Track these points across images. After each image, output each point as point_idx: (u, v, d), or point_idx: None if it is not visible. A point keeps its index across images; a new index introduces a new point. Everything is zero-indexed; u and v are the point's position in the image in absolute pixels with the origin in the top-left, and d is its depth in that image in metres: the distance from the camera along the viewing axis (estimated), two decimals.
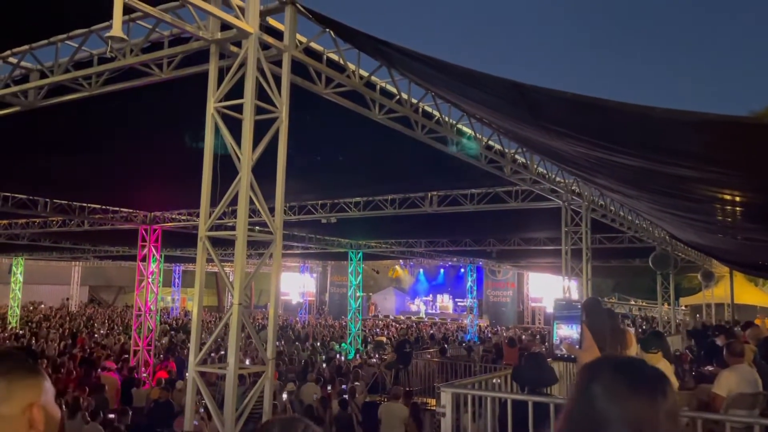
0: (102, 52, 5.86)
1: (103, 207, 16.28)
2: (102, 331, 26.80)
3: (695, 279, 26.77)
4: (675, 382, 6.35)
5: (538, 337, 24.56)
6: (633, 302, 39.38)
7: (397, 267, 44.29)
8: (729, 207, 7.90)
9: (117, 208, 16.65)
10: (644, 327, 26.81)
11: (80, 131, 8.71)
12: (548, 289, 36.93)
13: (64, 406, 9.91)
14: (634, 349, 4.59)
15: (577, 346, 2.07)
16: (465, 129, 8.28)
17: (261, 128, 5.03)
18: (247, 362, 13.05)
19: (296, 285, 43.72)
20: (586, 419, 1.37)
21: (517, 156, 9.70)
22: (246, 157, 4.86)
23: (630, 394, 1.36)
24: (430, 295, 42.66)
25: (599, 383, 1.41)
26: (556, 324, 2.15)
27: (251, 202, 4.98)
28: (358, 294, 25.67)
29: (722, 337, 8.96)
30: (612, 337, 4.20)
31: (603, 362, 1.50)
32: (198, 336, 5.15)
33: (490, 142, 8.86)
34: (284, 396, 11.85)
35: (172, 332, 25.69)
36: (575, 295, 13.12)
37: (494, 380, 6.89)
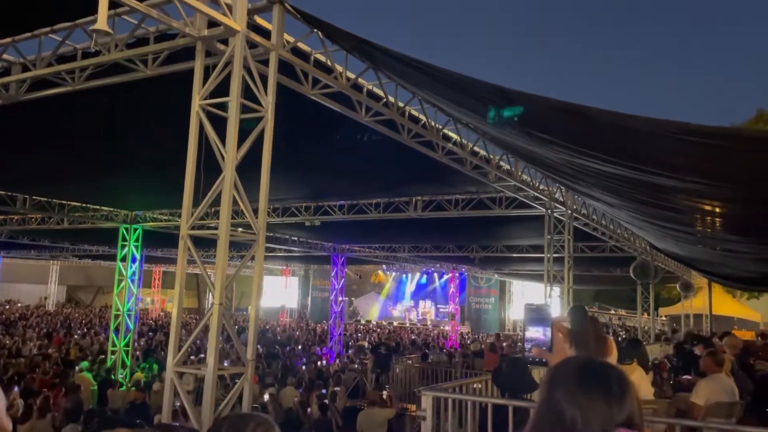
0: (86, 47, 5.80)
1: (84, 205, 16.07)
2: (79, 332, 26.41)
3: (674, 289, 27.08)
4: (651, 390, 6.40)
5: (519, 344, 24.70)
6: (613, 311, 39.77)
7: (380, 272, 44.27)
8: (709, 218, 8.00)
9: (98, 207, 16.44)
10: (623, 336, 27.04)
11: (62, 127, 8.60)
12: (531, 297, 37.16)
13: (35, 406, 9.73)
14: (614, 357, 4.61)
15: (544, 348, 2.09)
16: (451, 134, 8.31)
17: (245, 127, 5.01)
18: (226, 363, 12.93)
19: (278, 288, 43.50)
20: (552, 422, 1.38)
21: (501, 162, 9.75)
22: (230, 155, 4.83)
23: (585, 394, 1.37)
24: (412, 302, 42.69)
25: (560, 386, 1.43)
26: (527, 328, 2.17)
27: (234, 201, 4.94)
28: (340, 298, 25.60)
29: (700, 346, 9.07)
30: (595, 345, 4.23)
31: (563, 365, 1.53)
32: (177, 336, 5.10)
33: (476, 148, 8.90)
34: (266, 397, 11.76)
35: (151, 333, 25.40)
36: (557, 303, 13.19)
37: (474, 385, 6.90)
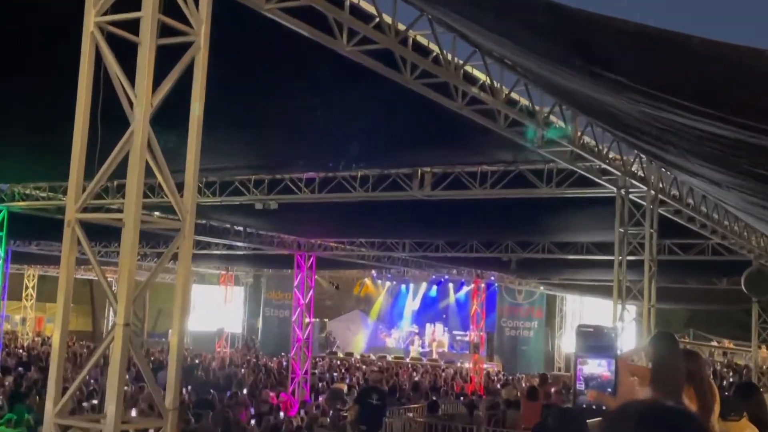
0: None
1: None
2: None
3: None
4: None
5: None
6: (715, 342, 40.06)
7: (368, 281, 44.34)
8: None
9: None
10: (731, 378, 27.29)
11: None
12: (593, 320, 37.40)
13: None
14: (715, 409, 4.66)
15: (608, 391, 2.10)
16: (476, 72, 8.32)
17: (166, 58, 4.98)
18: (134, 413, 12.93)
19: (215, 304, 43.53)
20: None
21: (552, 117, 9.74)
22: (142, 101, 4.81)
23: None
24: (415, 326, 42.85)
25: None
26: (581, 360, 2.19)
27: (149, 172, 4.94)
28: (307, 320, 25.64)
29: None
30: (698, 391, 4.24)
31: (620, 412, 1.57)
32: (61, 373, 5.10)
33: (513, 95, 8.90)
34: None
35: (21, 368, 25.39)
36: (631, 329, 13.27)
37: None
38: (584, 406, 2.18)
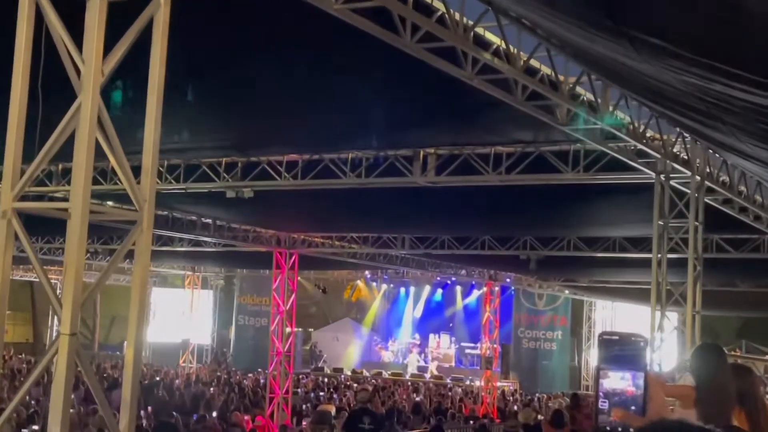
0: None
1: None
2: None
3: None
4: None
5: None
6: None
7: (360, 284, 44.41)
8: None
9: None
10: None
11: None
12: (627, 328, 37.46)
13: None
14: None
15: (632, 409, 2.10)
16: (489, 36, 8.30)
17: (120, 18, 4.97)
18: None
19: (179, 310, 43.58)
20: None
21: (579, 89, 9.73)
22: (91, 69, 4.80)
23: None
24: (417, 336, 42.94)
25: None
26: (602, 372, 2.18)
27: (100, 153, 4.93)
28: (288, 329, 25.66)
29: None
30: (750, 413, 4.25)
31: (649, 429, 1.62)
32: None
33: (533, 62, 8.88)
34: None
35: None
36: (673, 339, 13.29)
37: None
38: (608, 428, 2.17)
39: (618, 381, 2.14)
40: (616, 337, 2.20)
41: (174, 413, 21.94)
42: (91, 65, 4.82)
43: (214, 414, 22.80)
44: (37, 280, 33.29)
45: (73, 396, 4.74)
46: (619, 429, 2.12)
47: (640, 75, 7.49)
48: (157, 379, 32.01)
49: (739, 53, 5.47)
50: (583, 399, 22.10)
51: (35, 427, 15.75)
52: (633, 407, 2.11)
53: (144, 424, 18.39)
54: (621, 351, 2.15)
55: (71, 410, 4.64)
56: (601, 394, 2.15)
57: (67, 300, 4.77)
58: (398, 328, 44.21)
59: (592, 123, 10.27)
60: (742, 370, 4.89)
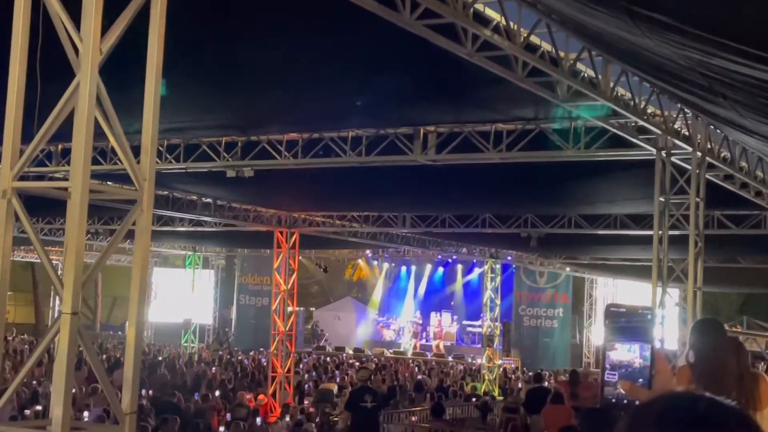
0: None
1: None
2: None
3: None
4: None
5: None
6: None
7: (361, 263, 44.47)
8: None
9: None
10: None
11: None
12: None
13: None
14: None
15: (640, 381, 2.09)
16: (489, 11, 8.26)
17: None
18: (86, 416, 12.96)
19: (180, 291, 43.62)
20: None
21: (580, 65, 9.70)
22: (90, 47, 4.78)
23: None
24: (417, 314, 43.03)
25: None
26: (609, 345, 2.18)
27: (99, 132, 4.92)
28: (290, 308, 25.70)
29: None
30: (737, 386, 4.26)
31: (649, 405, 1.58)
32: None
33: (533, 38, 8.85)
34: None
35: None
36: (674, 315, 13.30)
37: None
38: (613, 400, 2.17)
39: (625, 353, 2.13)
40: (623, 310, 2.19)
41: (176, 392, 22.03)
42: (89, 43, 4.80)
43: (217, 393, 22.91)
44: (39, 261, 33.36)
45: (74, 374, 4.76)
46: (625, 401, 2.11)
47: (640, 50, 7.47)
48: (159, 358, 32.12)
49: (740, 27, 5.44)
50: (582, 375, 22.23)
51: (39, 407, 15.80)
52: (641, 380, 2.10)
53: (146, 403, 18.47)
54: (628, 323, 2.14)
55: (75, 389, 4.65)
56: (607, 366, 2.15)
57: (68, 279, 4.77)
58: (399, 307, 44.27)
59: (592, 98, 10.24)
60: (742, 347, 4.91)
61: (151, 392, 21.55)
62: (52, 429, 4.70)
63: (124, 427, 4.97)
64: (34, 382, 19.84)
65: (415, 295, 43.97)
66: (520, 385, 29.17)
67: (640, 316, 2.15)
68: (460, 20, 7.98)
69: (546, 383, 20.85)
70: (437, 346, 40.45)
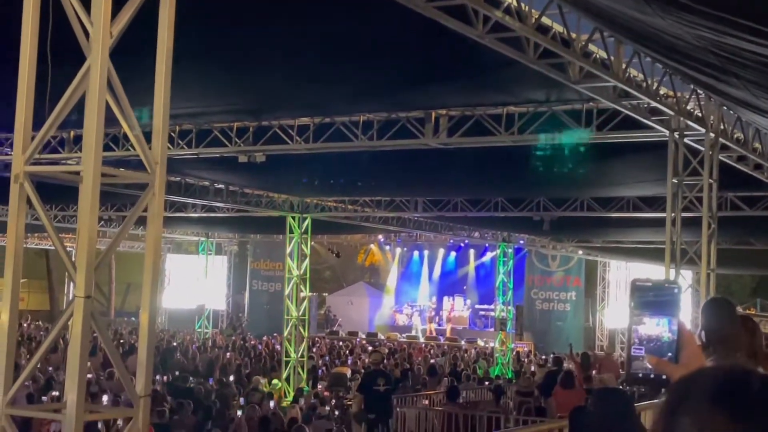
0: None
1: None
2: None
3: None
4: None
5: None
6: None
7: (374, 248, 44.49)
8: None
9: None
10: None
11: None
12: None
13: None
14: None
15: (669, 356, 2.07)
16: None
17: None
18: (104, 399, 13.03)
19: (193, 276, 43.76)
20: None
21: (592, 46, 9.66)
22: (100, 30, 4.77)
23: (734, 423, 1.40)
24: (433, 299, 43.07)
25: (688, 407, 1.45)
26: (635, 318, 2.15)
27: (111, 117, 4.92)
28: (302, 293, 25.74)
29: None
30: (751, 362, 4.26)
31: (697, 375, 1.55)
32: (11, 357, 5.14)
33: (545, 20, 8.81)
34: None
35: None
36: (687, 297, 13.28)
37: None
38: (640, 375, 2.14)
39: (654, 327, 2.11)
40: (650, 284, 2.17)
41: (191, 378, 22.13)
42: (99, 27, 4.79)
43: (231, 377, 23.00)
44: (53, 248, 33.45)
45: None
46: (652, 376, 2.08)
47: (653, 30, 7.44)
48: (174, 344, 32.26)
49: (753, 6, 5.41)
50: (590, 358, 22.25)
51: (55, 393, 15.87)
52: (669, 354, 2.08)
53: (161, 389, 18.56)
54: (656, 297, 2.12)
55: (90, 375, 4.67)
56: (635, 340, 2.12)
57: (81, 262, 4.78)
58: (412, 292, 44.30)
59: (605, 80, 10.19)
60: (750, 322, 4.93)
61: (165, 378, 21.67)
62: (66, 412, 4.72)
63: (138, 410, 4.99)
64: (50, 368, 19.95)
65: (429, 280, 43.98)
66: (532, 368, 29.19)
67: (667, 290, 2.13)
68: (471, 1, 7.96)
69: (565, 365, 20.79)
70: (450, 330, 40.48)
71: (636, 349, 2.10)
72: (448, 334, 39.72)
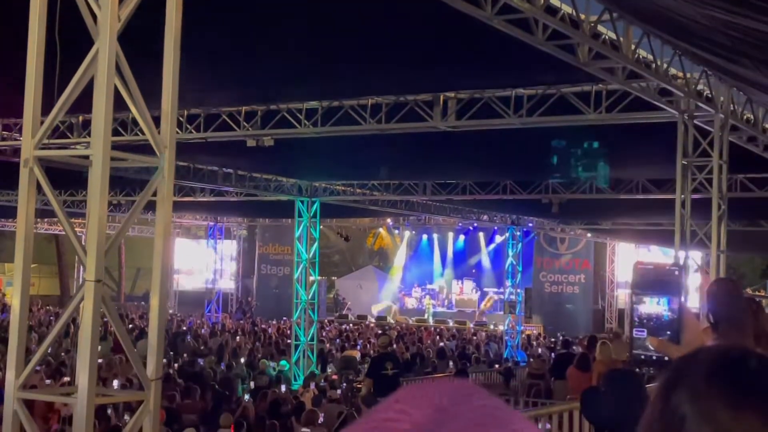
0: None
1: None
2: None
3: None
4: None
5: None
6: None
7: (382, 231, 44.54)
8: None
9: None
10: None
11: None
12: None
13: None
14: None
15: (668, 334, 2.06)
16: None
17: None
18: (115, 384, 13.08)
19: (202, 260, 43.89)
20: None
21: (601, 27, 9.61)
22: (108, 13, 4.76)
23: (728, 403, 1.38)
24: (443, 281, 43.15)
25: (684, 386, 1.44)
26: (637, 299, 2.15)
27: (119, 102, 4.91)
28: (312, 277, 25.78)
29: None
30: (755, 344, 4.26)
31: (694, 355, 1.53)
32: (23, 341, 5.15)
33: (553, 1, 8.76)
34: None
35: None
36: (696, 279, 13.27)
37: (548, 425, 7.02)
38: (642, 356, 2.14)
39: (654, 306, 2.11)
40: (651, 267, 2.17)
41: (201, 361, 22.23)
42: (107, 10, 4.78)
43: (241, 361, 23.09)
44: (63, 233, 33.55)
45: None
46: (654, 357, 2.08)
47: (663, 11, 7.39)
48: (184, 328, 32.39)
49: None
50: (597, 341, 22.20)
51: (66, 378, 15.94)
52: (669, 332, 2.07)
53: (171, 370, 18.63)
54: (656, 277, 2.12)
55: (101, 359, 4.68)
56: (636, 320, 2.12)
57: (91, 247, 4.79)
58: (421, 275, 44.39)
59: (614, 61, 10.15)
60: (756, 304, 4.92)
61: (176, 365, 21.75)
62: (78, 395, 4.73)
63: (149, 393, 5.00)
64: (63, 353, 20.01)
65: (439, 263, 44.06)
66: (541, 351, 29.22)
67: (668, 271, 2.13)
68: None
69: (574, 348, 20.82)
70: (459, 313, 40.58)
71: (638, 330, 2.10)
72: (456, 318, 39.83)
